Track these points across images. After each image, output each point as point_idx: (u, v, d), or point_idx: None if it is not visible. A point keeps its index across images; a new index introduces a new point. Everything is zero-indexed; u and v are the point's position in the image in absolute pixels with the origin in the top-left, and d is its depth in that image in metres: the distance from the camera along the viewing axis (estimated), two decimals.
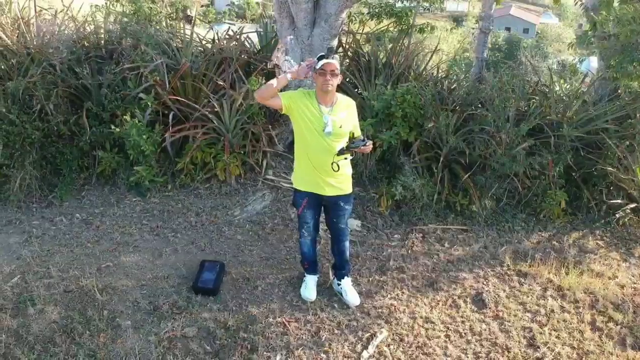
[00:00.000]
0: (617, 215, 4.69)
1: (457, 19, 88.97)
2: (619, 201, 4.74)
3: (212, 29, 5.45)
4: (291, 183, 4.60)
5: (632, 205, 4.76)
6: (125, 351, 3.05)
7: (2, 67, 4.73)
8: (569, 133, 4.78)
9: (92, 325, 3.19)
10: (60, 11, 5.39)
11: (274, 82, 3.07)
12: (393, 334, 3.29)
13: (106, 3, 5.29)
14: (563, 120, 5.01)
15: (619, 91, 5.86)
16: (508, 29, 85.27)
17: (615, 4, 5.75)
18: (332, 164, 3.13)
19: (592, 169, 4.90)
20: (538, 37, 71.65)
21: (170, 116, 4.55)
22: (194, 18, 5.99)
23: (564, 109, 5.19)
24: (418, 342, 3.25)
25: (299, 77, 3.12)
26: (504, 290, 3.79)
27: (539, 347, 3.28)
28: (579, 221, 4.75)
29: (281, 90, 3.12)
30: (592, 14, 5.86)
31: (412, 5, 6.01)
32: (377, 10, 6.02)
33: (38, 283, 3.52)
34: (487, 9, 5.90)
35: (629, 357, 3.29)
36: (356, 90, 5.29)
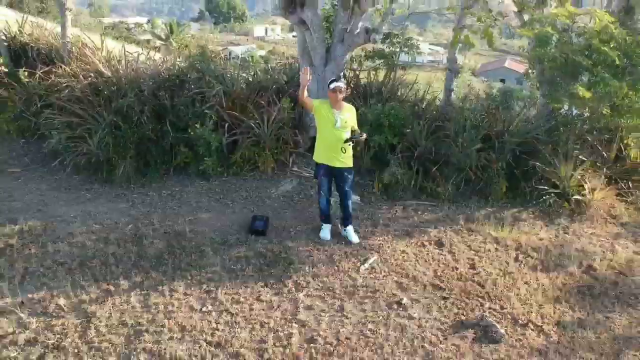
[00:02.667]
0: (545, 198, 6.44)
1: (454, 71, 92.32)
2: (546, 188, 6.50)
3: (252, 65, 7.43)
4: (310, 173, 6.38)
5: (556, 191, 6.51)
6: (209, 264, 4.72)
7: (105, 92, 6.63)
8: (509, 140, 6.59)
9: (186, 249, 4.88)
10: (142, 53, 7.35)
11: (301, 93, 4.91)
12: (381, 258, 4.96)
13: (178, 47, 7.22)
14: (506, 131, 6.84)
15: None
16: (503, 80, 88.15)
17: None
18: (340, 148, 4.92)
19: (529, 165, 6.68)
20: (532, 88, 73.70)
21: (226, 126, 6.40)
22: (239, 59, 8.02)
23: (508, 123, 7.03)
24: (397, 263, 4.91)
25: (303, 85, 4.82)
26: (457, 238, 5.48)
27: (477, 269, 4.96)
28: (517, 202, 6.47)
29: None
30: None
31: (397, 50, 7.99)
32: (371, 53, 8.02)
33: (146, 228, 5.24)
34: (452, 55, 7.85)
35: (537, 277, 4.94)
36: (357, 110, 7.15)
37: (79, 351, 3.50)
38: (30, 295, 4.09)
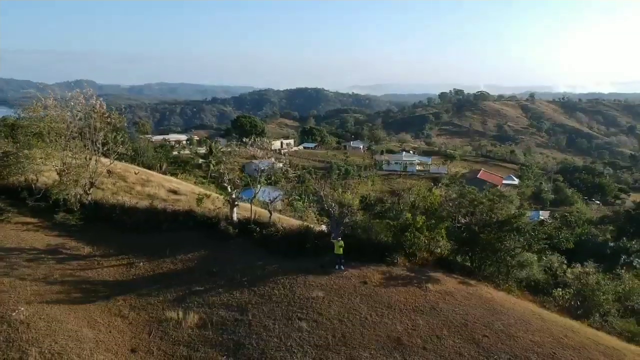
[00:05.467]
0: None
1: (436, 179, 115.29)
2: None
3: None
4: (334, 256, 26.47)
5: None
6: (314, 271, 24.45)
7: (284, 232, 26.62)
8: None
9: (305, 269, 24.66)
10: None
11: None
12: (347, 272, 24.67)
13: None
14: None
15: None
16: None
17: None
18: (340, 248, 24.91)
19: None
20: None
21: (319, 250, 26.46)
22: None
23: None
24: (351, 273, 24.62)
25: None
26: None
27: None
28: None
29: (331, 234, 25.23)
30: None
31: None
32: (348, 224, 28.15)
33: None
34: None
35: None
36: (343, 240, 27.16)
37: None
38: None
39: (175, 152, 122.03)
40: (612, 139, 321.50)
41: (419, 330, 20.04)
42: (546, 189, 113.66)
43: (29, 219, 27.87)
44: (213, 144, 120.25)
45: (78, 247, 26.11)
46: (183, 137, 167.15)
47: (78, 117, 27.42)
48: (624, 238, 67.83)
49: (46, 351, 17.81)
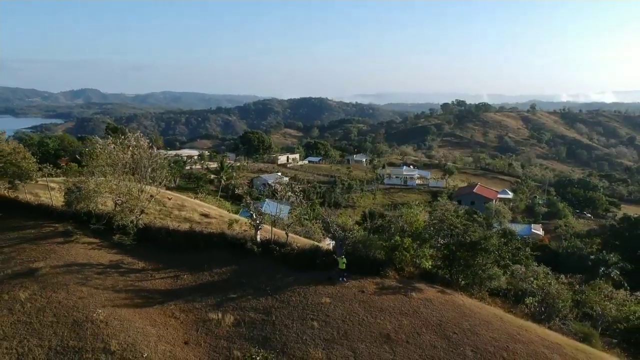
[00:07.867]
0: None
1: (435, 194, 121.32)
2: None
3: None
4: (338, 270, 32.77)
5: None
6: (324, 283, 30.74)
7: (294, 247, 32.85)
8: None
9: (317, 281, 30.94)
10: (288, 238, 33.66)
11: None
12: (347, 282, 30.90)
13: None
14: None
15: None
16: (472, 202, 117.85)
17: None
18: (343, 264, 31.21)
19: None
20: (495, 211, 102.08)
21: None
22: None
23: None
24: (352, 283, 30.87)
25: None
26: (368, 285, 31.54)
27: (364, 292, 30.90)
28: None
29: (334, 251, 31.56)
30: None
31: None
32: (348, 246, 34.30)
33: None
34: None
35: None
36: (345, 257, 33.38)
37: None
38: None
39: (187, 167, 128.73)
40: (611, 150, 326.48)
41: (403, 329, 26.16)
42: (540, 203, 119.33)
43: (92, 240, 34.30)
44: (223, 159, 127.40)
45: (134, 262, 32.47)
46: (195, 152, 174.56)
47: (130, 156, 33.89)
48: (604, 251, 73.83)
49: (123, 342, 23.93)
